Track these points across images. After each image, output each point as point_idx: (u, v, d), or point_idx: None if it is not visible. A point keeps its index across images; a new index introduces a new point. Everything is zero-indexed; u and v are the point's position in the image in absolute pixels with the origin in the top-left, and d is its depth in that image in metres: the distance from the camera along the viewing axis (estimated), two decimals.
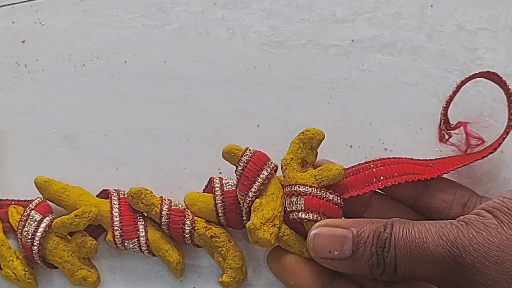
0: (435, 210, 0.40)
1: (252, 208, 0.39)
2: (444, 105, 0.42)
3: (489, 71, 0.41)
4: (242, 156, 0.40)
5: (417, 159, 0.42)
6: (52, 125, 0.45)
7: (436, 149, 0.44)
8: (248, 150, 0.40)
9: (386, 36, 0.45)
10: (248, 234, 0.39)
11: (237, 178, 0.40)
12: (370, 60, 0.45)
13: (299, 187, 0.39)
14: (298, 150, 0.40)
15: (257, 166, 0.39)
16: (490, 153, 0.41)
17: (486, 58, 0.44)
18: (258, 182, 0.39)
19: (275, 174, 0.40)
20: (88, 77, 0.45)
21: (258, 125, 0.44)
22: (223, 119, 0.45)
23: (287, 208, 0.39)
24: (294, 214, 0.39)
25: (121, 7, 0.46)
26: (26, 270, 0.42)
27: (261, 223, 0.38)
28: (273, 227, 0.39)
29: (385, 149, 0.44)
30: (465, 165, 0.41)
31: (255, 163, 0.39)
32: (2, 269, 0.42)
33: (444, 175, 0.41)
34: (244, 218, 0.41)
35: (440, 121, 0.42)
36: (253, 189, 0.39)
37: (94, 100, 0.45)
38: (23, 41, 0.46)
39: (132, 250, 0.41)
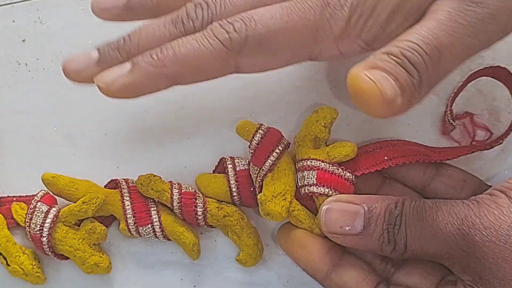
0: (443, 196, 0.40)
1: (264, 182, 0.40)
2: (452, 95, 0.42)
3: (499, 66, 0.41)
4: (257, 131, 0.40)
5: (425, 145, 0.42)
6: (53, 124, 0.45)
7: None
8: (262, 126, 0.41)
9: None
10: (259, 206, 0.39)
11: (251, 152, 0.40)
12: None
13: (311, 161, 0.39)
14: (311, 127, 0.40)
15: (272, 141, 0.40)
16: (496, 144, 0.41)
17: (487, 57, 0.44)
18: (273, 156, 0.40)
19: (287, 151, 0.41)
20: None
21: None
22: (223, 118, 0.45)
23: (299, 183, 0.40)
24: (306, 189, 0.39)
25: None
26: (33, 264, 0.42)
27: (273, 196, 0.39)
28: (284, 200, 0.39)
29: None
30: (473, 151, 0.41)
31: (270, 138, 0.40)
32: (9, 265, 0.42)
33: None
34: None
35: (445, 111, 0.42)
36: (267, 163, 0.40)
37: (94, 99, 0.45)
38: (23, 40, 0.46)
39: (147, 236, 0.42)
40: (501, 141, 0.41)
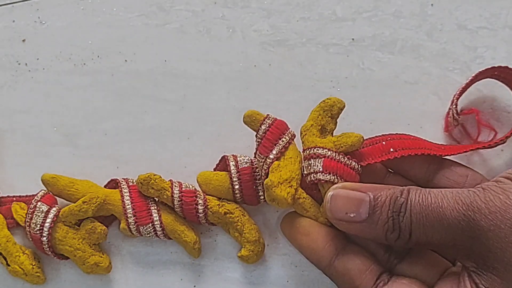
0: None
1: (270, 170, 0.40)
2: (458, 92, 0.42)
3: (507, 67, 0.41)
4: (264, 120, 0.40)
5: (430, 141, 0.42)
6: (53, 124, 0.45)
7: None
8: (269, 115, 0.41)
9: (386, 34, 0.45)
10: (265, 192, 0.39)
11: (257, 141, 0.41)
12: (370, 59, 0.45)
13: (318, 149, 0.39)
14: (318, 117, 0.40)
15: (279, 130, 0.40)
16: (501, 143, 0.41)
17: (487, 57, 0.44)
18: (280, 144, 0.40)
19: (293, 142, 0.41)
20: (88, 76, 0.45)
21: None
22: (223, 118, 0.45)
23: (305, 171, 0.40)
24: (312, 176, 0.39)
25: (122, 6, 0.46)
26: (33, 264, 0.42)
27: (279, 182, 0.39)
28: (290, 187, 0.39)
29: None
30: (477, 148, 0.41)
31: (277, 127, 0.40)
32: (9, 265, 0.42)
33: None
34: (261, 193, 0.41)
35: (450, 107, 0.42)
36: (274, 151, 0.40)
37: (94, 99, 0.45)
38: (23, 40, 0.46)
39: (148, 235, 0.42)
40: (504, 140, 0.41)
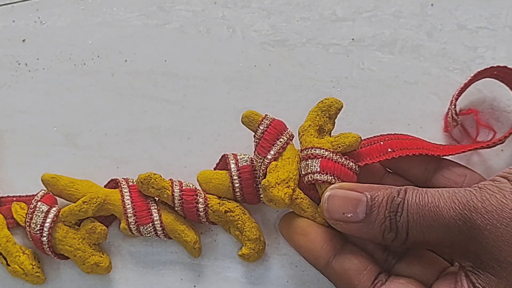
0: None
1: (267, 170, 0.40)
2: (457, 92, 0.42)
3: (506, 66, 0.41)
4: (262, 120, 0.41)
5: (428, 141, 0.42)
6: (53, 124, 0.45)
7: None
8: (268, 116, 0.41)
9: (386, 35, 0.45)
10: (262, 192, 0.39)
11: (255, 142, 0.41)
12: (370, 59, 0.45)
13: (315, 150, 0.40)
14: (316, 118, 0.40)
15: (277, 130, 0.40)
16: (499, 143, 0.41)
17: (487, 57, 0.44)
18: (278, 145, 0.40)
19: (291, 142, 0.41)
20: (88, 76, 0.45)
21: None
22: (223, 118, 0.45)
23: (302, 171, 0.40)
24: (309, 176, 0.39)
25: (122, 5, 0.46)
26: (33, 264, 0.42)
27: (276, 182, 0.39)
28: (287, 187, 0.39)
29: None
30: (476, 148, 0.41)
31: (275, 127, 0.40)
32: (9, 265, 0.42)
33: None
34: (261, 192, 0.41)
35: (449, 108, 0.42)
36: (272, 152, 0.40)
37: (94, 99, 0.45)
38: (23, 40, 0.46)
39: (148, 235, 0.42)
40: (503, 140, 0.41)
